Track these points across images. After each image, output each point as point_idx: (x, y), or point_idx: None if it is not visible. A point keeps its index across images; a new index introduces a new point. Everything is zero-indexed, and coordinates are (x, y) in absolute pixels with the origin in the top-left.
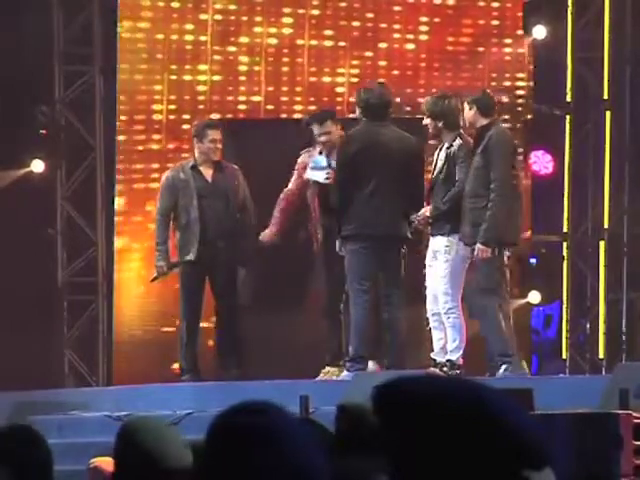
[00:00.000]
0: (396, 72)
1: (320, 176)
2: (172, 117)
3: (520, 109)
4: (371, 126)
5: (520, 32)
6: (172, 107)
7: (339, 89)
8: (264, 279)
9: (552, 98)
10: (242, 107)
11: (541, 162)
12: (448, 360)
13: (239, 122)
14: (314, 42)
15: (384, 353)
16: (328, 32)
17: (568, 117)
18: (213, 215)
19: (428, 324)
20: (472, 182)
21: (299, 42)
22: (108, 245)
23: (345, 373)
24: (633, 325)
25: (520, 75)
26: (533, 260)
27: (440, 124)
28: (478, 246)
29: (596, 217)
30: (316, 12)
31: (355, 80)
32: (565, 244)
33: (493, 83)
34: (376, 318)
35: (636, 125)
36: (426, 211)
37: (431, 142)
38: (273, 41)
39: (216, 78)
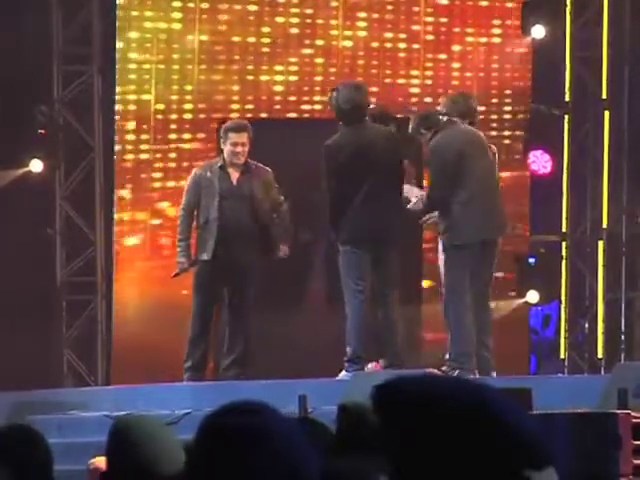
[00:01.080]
0: (469, 74)
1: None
2: (249, 116)
3: (518, 109)
4: (350, 130)
5: None
6: (249, 107)
7: (413, 90)
8: (264, 279)
9: (551, 98)
10: (318, 107)
11: (540, 162)
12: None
13: (277, 122)
14: (389, 45)
15: (382, 353)
16: (402, 35)
17: (567, 117)
18: (233, 217)
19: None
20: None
21: (374, 44)
22: (107, 245)
23: (344, 373)
24: (632, 325)
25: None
26: (532, 260)
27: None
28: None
29: (595, 217)
30: (390, 16)
31: (429, 82)
32: (564, 244)
33: None
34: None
35: (635, 125)
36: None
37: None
38: (348, 43)
39: (292, 79)
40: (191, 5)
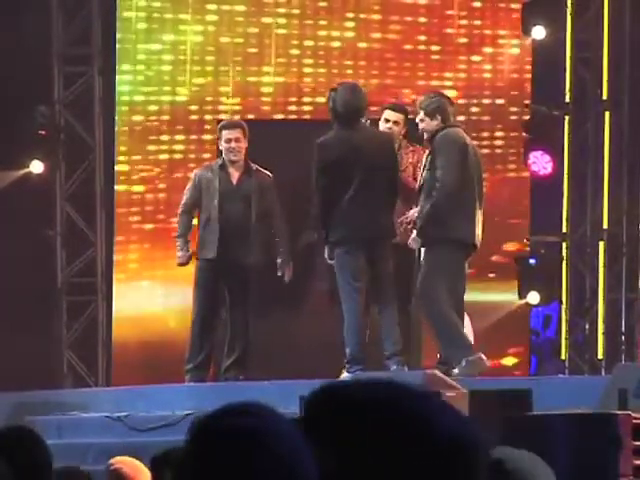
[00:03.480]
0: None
1: None
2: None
3: (519, 109)
4: (343, 130)
5: None
6: None
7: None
8: (265, 279)
9: (551, 99)
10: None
11: (540, 163)
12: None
13: (272, 122)
14: None
15: (385, 347)
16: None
17: (567, 117)
18: (233, 217)
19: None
20: (427, 182)
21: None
22: (107, 246)
23: (344, 374)
24: (632, 325)
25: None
26: (532, 260)
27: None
28: (412, 236)
29: (595, 217)
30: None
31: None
32: (564, 244)
33: None
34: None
35: (635, 125)
36: (414, 212)
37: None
38: (515, 51)
39: (461, 84)
40: (370, 16)
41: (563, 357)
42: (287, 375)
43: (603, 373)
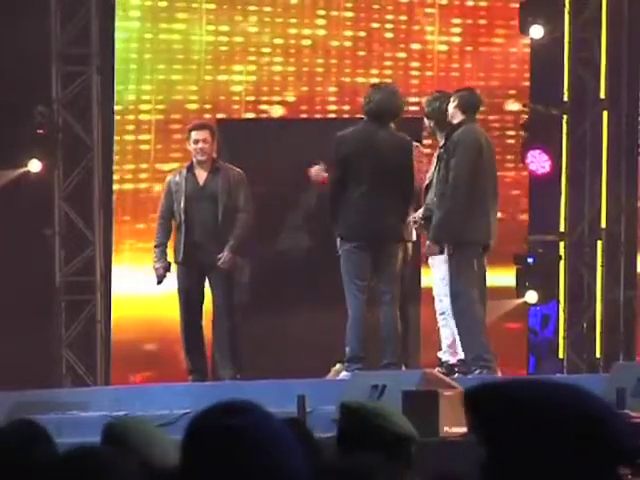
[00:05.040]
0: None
1: None
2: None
3: (517, 109)
4: (367, 127)
5: None
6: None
7: None
8: (264, 278)
9: (549, 98)
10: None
11: (538, 162)
12: (460, 360)
13: (245, 122)
14: None
15: (383, 352)
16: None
17: (565, 117)
18: (199, 217)
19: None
20: (441, 182)
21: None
22: (106, 245)
23: (344, 373)
24: (630, 324)
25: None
26: (530, 260)
27: (432, 124)
28: (427, 242)
29: (593, 216)
30: None
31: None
32: (562, 244)
33: None
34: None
35: (633, 124)
36: (419, 212)
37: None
38: None
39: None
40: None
41: (561, 356)
42: (284, 374)
43: (601, 372)
